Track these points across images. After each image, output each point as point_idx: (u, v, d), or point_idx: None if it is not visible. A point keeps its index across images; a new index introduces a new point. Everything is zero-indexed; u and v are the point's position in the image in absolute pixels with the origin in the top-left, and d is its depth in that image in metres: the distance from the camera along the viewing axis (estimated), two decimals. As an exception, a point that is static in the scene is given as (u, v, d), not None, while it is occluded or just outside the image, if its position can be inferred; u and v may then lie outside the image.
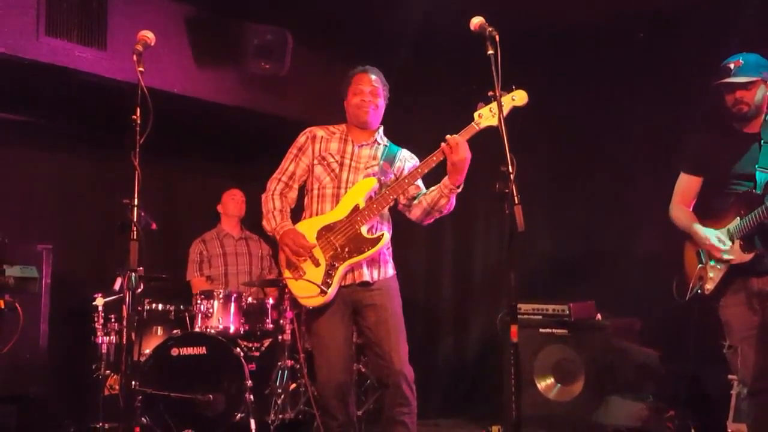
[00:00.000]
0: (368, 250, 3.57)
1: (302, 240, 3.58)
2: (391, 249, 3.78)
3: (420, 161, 3.73)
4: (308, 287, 3.56)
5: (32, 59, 4.62)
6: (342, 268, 3.57)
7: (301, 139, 3.84)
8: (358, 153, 3.75)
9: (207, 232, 6.03)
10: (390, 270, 3.77)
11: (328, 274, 3.55)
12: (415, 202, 3.71)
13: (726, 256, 3.66)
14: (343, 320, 3.65)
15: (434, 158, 3.52)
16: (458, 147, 3.42)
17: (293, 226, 3.68)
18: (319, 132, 3.83)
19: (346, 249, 3.57)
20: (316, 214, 3.69)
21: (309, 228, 3.65)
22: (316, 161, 3.75)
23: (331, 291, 3.55)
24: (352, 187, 3.67)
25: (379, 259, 3.70)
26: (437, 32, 5.39)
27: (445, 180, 3.55)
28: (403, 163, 3.84)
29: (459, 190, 3.57)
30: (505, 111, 3.24)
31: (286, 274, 3.64)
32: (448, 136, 3.44)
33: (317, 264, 3.58)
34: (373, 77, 3.78)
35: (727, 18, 4.98)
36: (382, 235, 3.61)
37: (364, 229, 3.58)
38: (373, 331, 3.63)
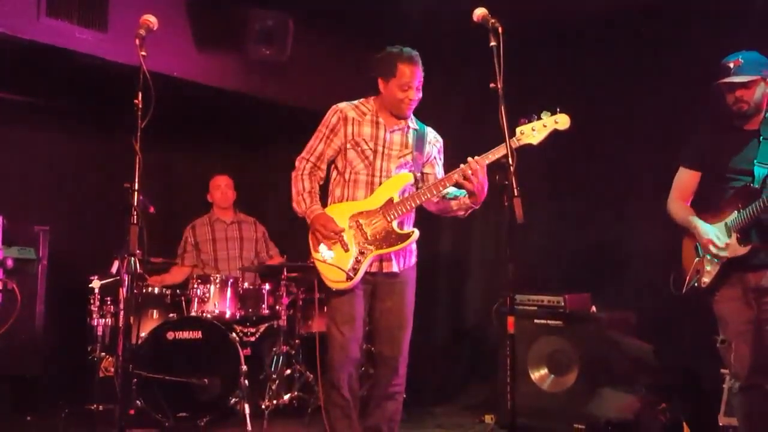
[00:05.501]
0: (398, 244, 3.63)
1: (332, 224, 3.61)
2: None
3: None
4: (335, 271, 3.61)
5: (32, 40, 4.60)
6: (370, 257, 3.62)
7: (333, 119, 3.75)
8: (390, 139, 3.75)
9: (199, 218, 5.99)
10: (413, 259, 3.83)
11: (357, 261, 3.61)
12: (434, 199, 3.72)
13: (721, 253, 3.68)
14: (363, 299, 3.71)
15: (454, 176, 3.55)
16: (477, 174, 3.46)
17: (323, 209, 3.70)
18: (350, 113, 3.74)
19: (376, 240, 3.62)
20: (348, 199, 3.72)
21: (341, 212, 3.68)
22: (349, 145, 3.72)
23: (357, 278, 3.61)
24: (389, 179, 3.69)
25: (406, 251, 3.76)
26: (441, 19, 5.37)
27: (466, 198, 3.62)
28: (431, 148, 3.86)
29: (477, 207, 3.65)
30: (546, 133, 3.41)
31: (316, 255, 3.67)
32: (470, 160, 3.48)
33: (346, 249, 3.62)
34: (421, 70, 3.68)
35: (734, 15, 4.96)
36: (412, 232, 3.67)
37: (395, 223, 3.63)
38: (386, 314, 3.74)
